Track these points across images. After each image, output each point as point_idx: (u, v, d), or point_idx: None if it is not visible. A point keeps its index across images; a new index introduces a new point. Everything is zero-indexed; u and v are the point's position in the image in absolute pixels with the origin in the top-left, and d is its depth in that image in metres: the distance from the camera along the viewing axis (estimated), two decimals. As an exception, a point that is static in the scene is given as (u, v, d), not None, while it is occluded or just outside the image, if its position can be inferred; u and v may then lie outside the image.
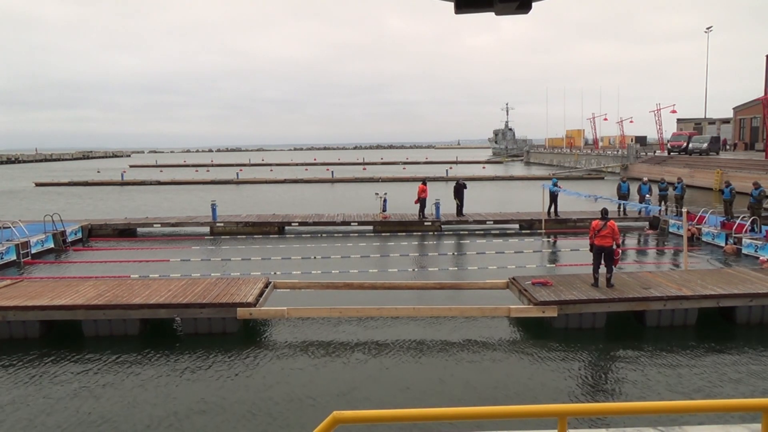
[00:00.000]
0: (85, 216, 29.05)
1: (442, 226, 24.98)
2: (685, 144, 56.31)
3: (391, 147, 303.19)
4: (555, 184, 25.06)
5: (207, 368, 10.06)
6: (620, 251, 14.16)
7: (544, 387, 9.22)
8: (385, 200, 25.70)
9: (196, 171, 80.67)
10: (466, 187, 26.60)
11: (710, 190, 40.40)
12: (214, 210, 25.30)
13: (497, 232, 24.33)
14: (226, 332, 11.66)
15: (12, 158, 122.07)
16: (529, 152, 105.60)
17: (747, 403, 4.99)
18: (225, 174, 67.73)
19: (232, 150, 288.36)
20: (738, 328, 11.95)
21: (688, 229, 17.84)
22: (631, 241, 22.46)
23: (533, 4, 2.65)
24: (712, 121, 77.43)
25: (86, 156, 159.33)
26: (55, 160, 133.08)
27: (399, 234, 24.17)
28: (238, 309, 11.61)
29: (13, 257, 18.75)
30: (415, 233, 24.21)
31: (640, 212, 25.36)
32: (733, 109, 67.01)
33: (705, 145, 53.90)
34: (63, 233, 21.90)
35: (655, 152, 67.37)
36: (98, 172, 78.75)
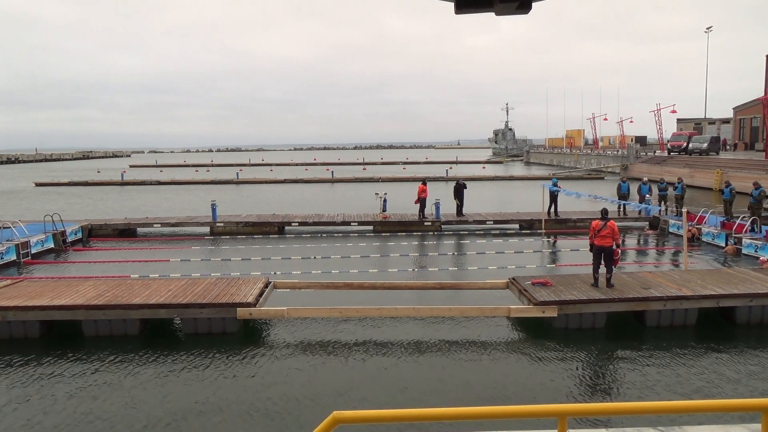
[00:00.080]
0: (85, 216, 29.06)
1: (442, 226, 24.99)
2: (685, 144, 56.32)
3: (391, 147, 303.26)
4: (555, 184, 25.07)
5: (207, 368, 10.06)
6: (620, 251, 14.16)
7: (544, 387, 9.22)
8: (385, 200, 25.70)
9: (196, 171, 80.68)
10: (466, 187, 26.61)
11: (710, 190, 40.40)
12: (214, 210, 25.30)
13: (497, 232, 24.32)
14: (226, 332, 11.66)
15: (12, 158, 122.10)
16: (529, 152, 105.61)
17: (747, 403, 4.99)
18: (225, 174, 67.75)
19: (232, 150, 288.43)
20: (738, 328, 11.95)
21: (689, 230, 17.85)
22: (631, 241, 22.45)
23: (533, 4, 2.65)
24: (712, 121, 77.44)
25: (86, 156, 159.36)
26: (55, 160, 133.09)
27: (399, 234, 24.17)
28: (238, 309, 11.61)
29: (13, 257, 18.75)
30: (415, 233, 24.22)
31: (640, 212, 25.37)
32: (733, 109, 67.02)
33: (705, 145, 53.91)
34: (63, 233, 21.90)
35: (655, 152, 67.38)
36: (98, 172, 78.77)
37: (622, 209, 25.76)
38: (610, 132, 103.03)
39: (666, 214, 24.73)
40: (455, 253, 20.33)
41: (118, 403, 8.76)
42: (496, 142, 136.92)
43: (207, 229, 25.10)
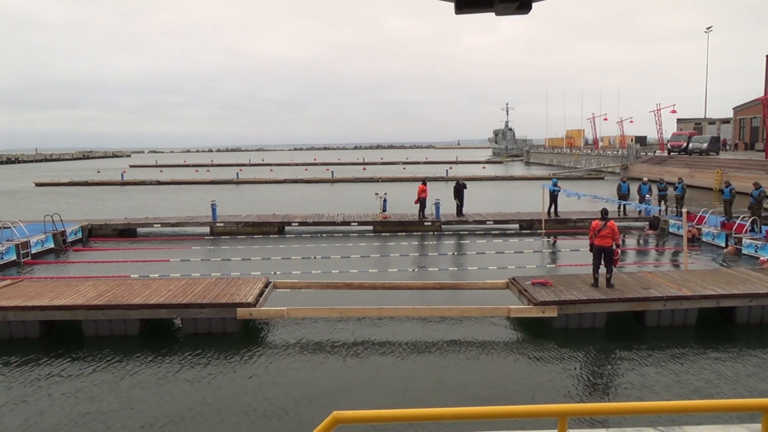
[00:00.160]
0: (85, 216, 29.06)
1: (442, 226, 24.99)
2: (685, 144, 56.33)
3: (391, 147, 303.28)
4: (555, 184, 25.06)
5: (207, 368, 10.06)
6: (620, 251, 14.16)
7: (544, 387, 9.22)
8: (385, 200, 25.71)
9: (196, 171, 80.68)
10: (466, 187, 26.61)
11: (710, 190, 40.41)
12: (214, 210, 25.30)
13: (497, 232, 24.32)
14: (226, 332, 11.66)
15: (12, 158, 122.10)
16: (529, 152, 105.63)
17: (746, 403, 5.00)
18: (225, 174, 67.74)
19: (232, 150, 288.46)
20: (738, 328, 11.95)
21: (689, 230, 17.85)
22: (631, 241, 22.45)
23: (533, 4, 2.65)
24: (712, 121, 77.45)
25: (86, 156, 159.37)
26: (55, 160, 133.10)
27: (399, 234, 24.17)
28: (238, 309, 11.61)
29: (13, 257, 18.75)
30: (415, 233, 24.22)
31: (640, 212, 25.37)
32: (733, 109, 67.03)
33: (705, 145, 53.92)
34: (63, 233, 21.90)
35: (655, 152, 67.39)
36: (98, 172, 78.77)
37: (622, 209, 25.76)
38: (610, 132, 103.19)
39: (666, 214, 24.74)
40: (455, 253, 20.33)
41: (117, 403, 8.76)
42: (496, 142, 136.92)
43: (207, 229, 25.10)
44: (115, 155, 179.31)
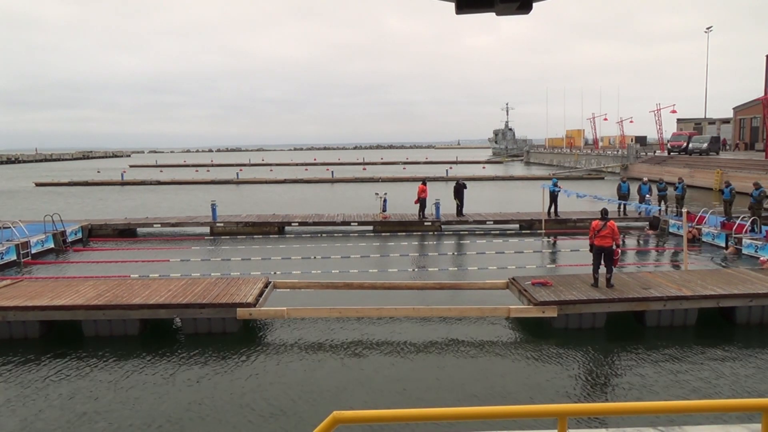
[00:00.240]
0: (85, 216, 29.06)
1: (442, 226, 24.99)
2: (685, 144, 56.34)
3: (391, 147, 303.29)
4: (555, 185, 25.06)
5: (206, 368, 10.06)
6: (620, 251, 14.16)
7: (544, 387, 9.22)
8: (385, 200, 25.71)
9: (196, 171, 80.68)
10: (466, 187, 26.61)
11: (710, 190, 40.41)
12: (214, 210, 25.30)
13: (497, 232, 24.32)
14: (226, 332, 11.66)
15: (12, 158, 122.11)
16: (529, 152, 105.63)
17: (746, 403, 5.00)
18: (225, 174, 67.75)
19: (232, 150, 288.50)
20: (738, 328, 11.95)
21: (689, 231, 17.85)
22: (631, 242, 22.45)
23: (533, 4, 2.65)
24: (712, 121, 77.46)
25: (86, 156, 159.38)
26: (55, 160, 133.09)
27: (399, 234, 24.17)
28: (237, 309, 11.61)
29: (13, 257, 18.75)
30: (415, 233, 24.22)
31: (640, 212, 25.37)
32: (733, 109, 67.05)
33: (705, 145, 53.93)
34: (63, 233, 21.90)
35: (655, 152, 67.40)
36: (98, 172, 78.78)
37: (622, 209, 25.76)
38: (610, 132, 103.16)
39: (666, 214, 24.74)
40: (455, 253, 20.33)
41: (117, 403, 8.76)
42: (496, 142, 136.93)
43: (207, 229, 25.10)
44: (115, 155, 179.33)
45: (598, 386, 9.40)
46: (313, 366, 10.10)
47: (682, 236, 16.92)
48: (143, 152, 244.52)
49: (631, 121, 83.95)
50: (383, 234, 24.22)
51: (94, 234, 24.15)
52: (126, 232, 24.83)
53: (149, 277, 15.53)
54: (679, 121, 78.54)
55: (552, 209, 25.37)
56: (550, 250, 20.98)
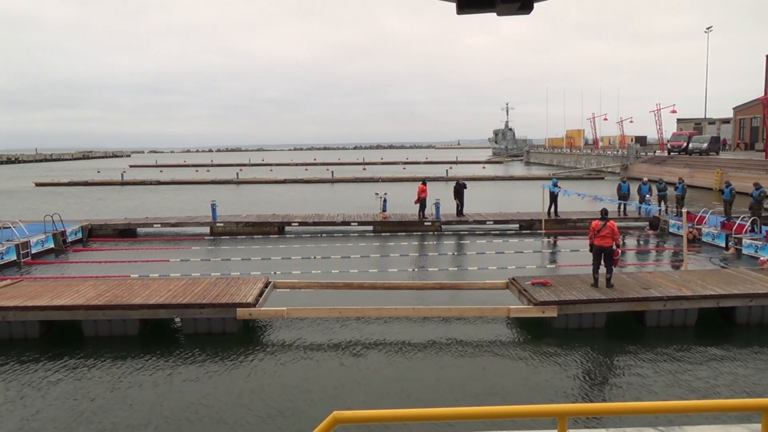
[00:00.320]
0: (85, 216, 29.07)
1: (442, 226, 24.99)
2: (685, 144, 56.34)
3: (391, 147, 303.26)
4: (555, 185, 25.06)
5: (206, 368, 10.06)
6: (620, 251, 14.16)
7: (544, 387, 9.22)
8: (385, 200, 25.71)
9: (196, 171, 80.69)
10: (466, 187, 26.61)
11: (710, 190, 40.41)
12: (214, 210, 25.30)
13: (497, 232, 24.32)
14: (226, 332, 11.66)
15: (12, 158, 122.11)
16: (529, 152, 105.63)
17: (746, 403, 5.00)
18: (225, 174, 67.75)
19: (232, 150, 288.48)
20: (738, 328, 11.95)
21: (689, 231, 17.84)
22: (631, 242, 22.45)
23: (534, 4, 2.66)
24: (712, 121, 77.45)
25: (86, 156, 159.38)
26: (55, 160, 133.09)
27: (399, 234, 24.17)
28: (237, 309, 11.61)
29: (13, 257, 18.75)
30: (415, 233, 24.22)
31: (640, 212, 25.37)
32: (733, 109, 67.03)
33: (705, 145, 53.92)
34: (63, 233, 21.90)
35: (655, 152, 67.39)
36: (98, 172, 78.78)
37: (622, 209, 25.76)
38: (610, 132, 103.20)
39: (666, 214, 24.74)
40: (455, 253, 20.33)
41: (117, 403, 8.76)
42: (496, 142, 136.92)
43: (207, 229, 25.10)
44: (115, 155, 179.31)
45: (598, 386, 9.40)
46: (313, 366, 10.10)
47: (682, 236, 16.92)
48: (143, 152, 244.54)
49: (631, 121, 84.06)
50: (383, 234, 24.22)
51: (94, 234, 24.15)
52: (126, 232, 24.83)
53: (149, 277, 15.53)
54: (679, 121, 78.54)
55: (552, 209, 25.37)
56: (550, 250, 20.98)
